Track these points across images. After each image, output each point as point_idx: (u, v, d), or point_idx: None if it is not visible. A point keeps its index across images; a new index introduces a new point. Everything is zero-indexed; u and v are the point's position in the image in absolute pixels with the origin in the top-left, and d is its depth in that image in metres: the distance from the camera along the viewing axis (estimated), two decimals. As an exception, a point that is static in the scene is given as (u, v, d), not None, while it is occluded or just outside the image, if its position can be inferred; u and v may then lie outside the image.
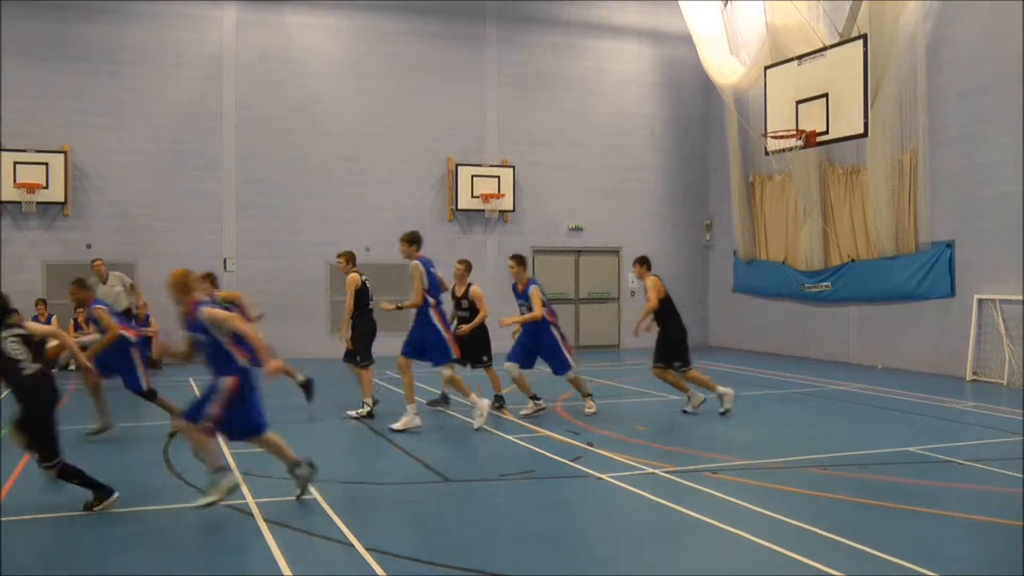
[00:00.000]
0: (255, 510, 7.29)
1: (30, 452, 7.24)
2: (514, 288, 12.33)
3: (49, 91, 19.32)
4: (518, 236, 21.97)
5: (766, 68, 18.04)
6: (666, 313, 12.15)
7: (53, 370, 7.50)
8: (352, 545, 6.37)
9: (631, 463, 8.93)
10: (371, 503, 7.75)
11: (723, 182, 22.90)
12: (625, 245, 22.98)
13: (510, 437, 10.55)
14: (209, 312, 7.35)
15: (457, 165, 21.42)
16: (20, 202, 18.85)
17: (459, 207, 21.45)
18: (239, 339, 7.33)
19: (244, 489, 7.90)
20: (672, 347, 12.14)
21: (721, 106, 22.60)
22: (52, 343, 8.02)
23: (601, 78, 23.04)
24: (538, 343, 12.18)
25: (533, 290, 12.05)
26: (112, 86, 19.73)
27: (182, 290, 7.44)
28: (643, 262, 12.51)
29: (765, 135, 17.48)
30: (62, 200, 19.11)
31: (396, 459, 9.61)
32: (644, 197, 23.40)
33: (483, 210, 21.60)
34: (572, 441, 10.19)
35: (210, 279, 12.62)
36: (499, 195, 21.51)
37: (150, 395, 10.67)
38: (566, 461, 9.12)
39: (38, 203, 18.98)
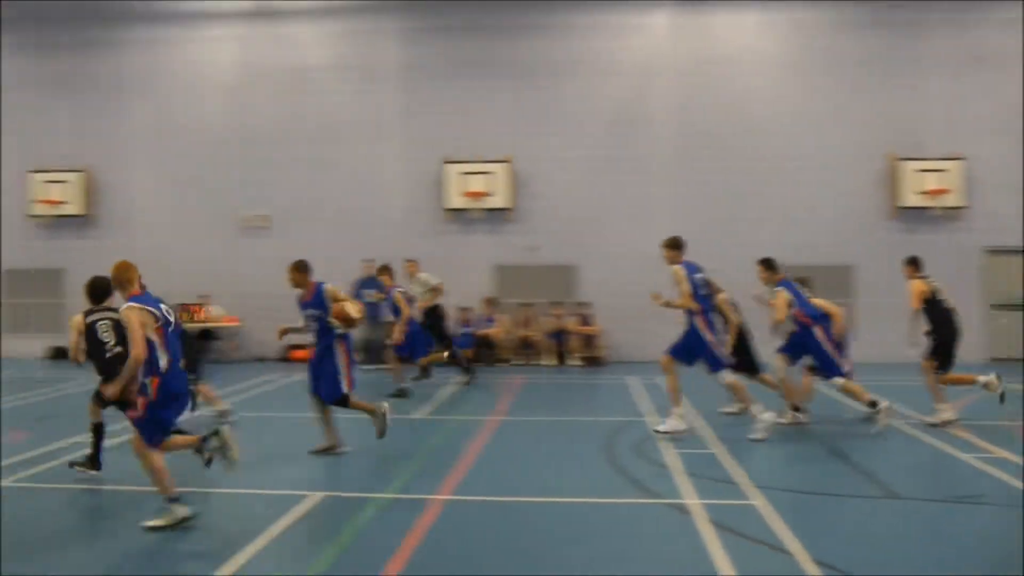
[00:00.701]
0: (699, 511, 7.50)
1: None
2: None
3: (491, 107, 21.18)
4: (967, 234, 20.29)
5: None
6: (933, 314, 11.71)
7: None
8: (797, 556, 6.34)
9: (1108, 497, 8.02)
10: (817, 514, 7.68)
11: None
12: (1098, 244, 20.44)
13: (962, 455, 9.90)
14: (125, 309, 6.97)
15: (898, 160, 20.34)
16: (467, 209, 20.88)
17: (903, 204, 20.34)
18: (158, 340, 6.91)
19: (690, 489, 8.20)
20: (937, 348, 11.70)
21: None
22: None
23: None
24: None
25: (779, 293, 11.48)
26: (547, 97, 21.17)
27: (117, 282, 7.13)
28: (910, 263, 11.88)
29: None
30: (506, 206, 20.87)
31: (838, 470, 9.43)
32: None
33: (930, 207, 20.29)
34: (1036, 465, 9.35)
35: (304, 268, 12.26)
36: (946, 190, 20.10)
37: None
38: (1029, 487, 8.39)
39: (485, 209, 20.86)
